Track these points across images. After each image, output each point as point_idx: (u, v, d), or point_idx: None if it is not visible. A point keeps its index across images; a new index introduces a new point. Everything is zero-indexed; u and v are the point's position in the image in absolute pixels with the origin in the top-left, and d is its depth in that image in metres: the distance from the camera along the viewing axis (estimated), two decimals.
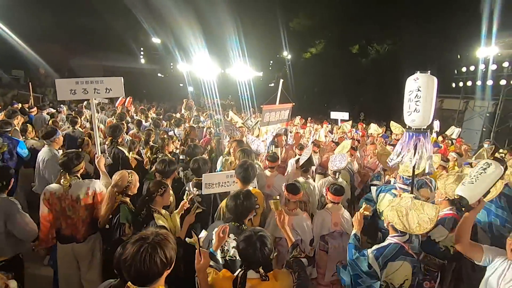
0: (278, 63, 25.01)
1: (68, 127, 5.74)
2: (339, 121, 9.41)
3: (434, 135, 7.56)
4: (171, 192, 2.82)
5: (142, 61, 21.97)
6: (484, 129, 11.36)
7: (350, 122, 8.86)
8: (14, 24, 12.45)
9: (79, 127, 5.79)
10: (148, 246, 1.29)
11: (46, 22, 14.85)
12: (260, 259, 1.64)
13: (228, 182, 2.93)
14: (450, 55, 13.80)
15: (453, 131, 8.27)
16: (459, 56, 12.73)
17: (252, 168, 2.79)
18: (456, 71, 12.51)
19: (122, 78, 3.29)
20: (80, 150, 3.88)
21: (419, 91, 2.39)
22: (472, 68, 11.27)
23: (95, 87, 3.13)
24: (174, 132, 6.20)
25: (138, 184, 2.82)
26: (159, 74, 23.92)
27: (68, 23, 16.78)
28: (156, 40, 20.79)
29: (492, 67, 10.06)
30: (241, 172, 2.73)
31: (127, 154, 4.11)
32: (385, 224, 2.35)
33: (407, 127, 2.60)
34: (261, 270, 1.65)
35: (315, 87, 25.26)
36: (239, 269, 1.73)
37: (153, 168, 3.61)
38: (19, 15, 12.93)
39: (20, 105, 8.19)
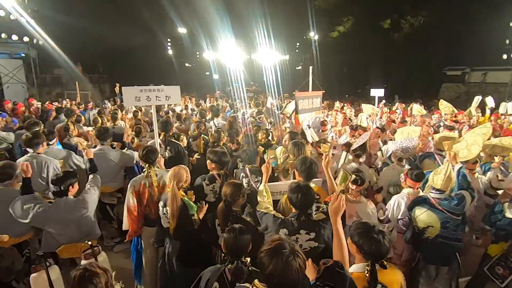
0: (304, 44, 24.27)
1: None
2: (376, 100, 9.00)
3: (488, 112, 7.03)
4: None
5: (170, 51, 22.33)
6: None
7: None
8: (49, 23, 13.04)
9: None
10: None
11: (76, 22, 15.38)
12: (385, 254, 1.67)
13: None
14: (498, 23, 12.58)
15: (506, 107, 7.62)
16: (511, 24, 11.58)
17: (316, 164, 2.72)
18: (508, 41, 11.41)
19: (179, 87, 3.75)
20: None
21: None
22: None
23: (156, 94, 3.52)
24: (213, 122, 6.30)
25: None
26: (186, 64, 24.27)
27: (99, 18, 17.33)
28: (182, 30, 20.95)
29: None
30: (305, 170, 2.63)
31: (182, 147, 4.27)
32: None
33: None
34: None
35: (344, 67, 24.32)
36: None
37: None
38: (53, 13, 13.54)
39: (68, 101, 8.71)
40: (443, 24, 18.48)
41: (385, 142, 4.71)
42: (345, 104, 10.71)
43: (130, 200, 2.96)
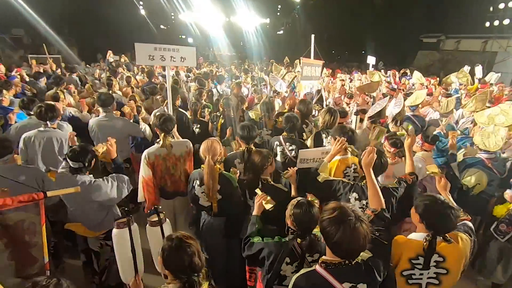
0: (286, 7, 23.27)
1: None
2: (370, 66, 9.04)
3: (476, 81, 7.32)
4: None
5: (142, 12, 20.44)
6: None
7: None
8: None
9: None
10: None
11: None
12: (450, 229, 1.71)
13: (322, 158, 2.85)
14: None
15: (491, 77, 7.97)
16: None
17: (353, 133, 2.74)
18: (492, 8, 11.64)
19: (195, 48, 3.48)
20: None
21: None
22: (510, 4, 10.46)
23: (171, 55, 3.24)
24: (217, 89, 6.03)
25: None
26: (161, 26, 22.50)
27: None
28: None
29: None
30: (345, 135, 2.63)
31: (189, 116, 4.05)
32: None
33: None
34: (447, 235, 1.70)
35: (325, 33, 23.86)
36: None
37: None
38: None
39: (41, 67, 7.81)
40: None
41: None
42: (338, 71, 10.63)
43: (145, 171, 2.81)
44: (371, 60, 8.69)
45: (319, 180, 2.37)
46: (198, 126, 4.24)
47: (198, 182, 2.55)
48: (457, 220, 1.72)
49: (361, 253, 1.45)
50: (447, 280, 1.74)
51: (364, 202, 2.22)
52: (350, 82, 8.93)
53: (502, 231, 2.67)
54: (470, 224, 1.96)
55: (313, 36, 6.14)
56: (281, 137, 3.28)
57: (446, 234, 1.70)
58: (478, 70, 7.59)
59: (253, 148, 2.93)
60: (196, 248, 1.50)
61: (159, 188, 2.92)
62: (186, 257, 1.45)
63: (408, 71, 10.04)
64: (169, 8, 19.14)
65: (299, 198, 1.90)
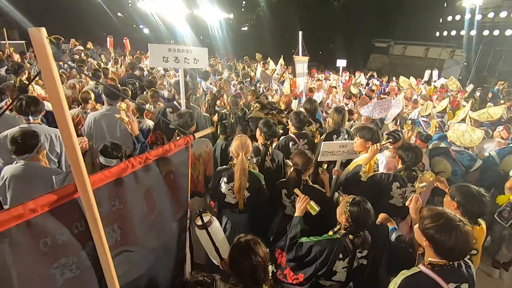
0: (250, 3, 23.24)
1: None
2: (341, 70, 9.52)
3: (432, 84, 8.15)
4: None
5: None
6: (460, 78, 12.54)
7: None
8: None
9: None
10: None
11: None
12: (484, 213, 1.93)
13: (339, 151, 3.03)
14: (437, 2, 14.07)
15: (442, 81, 8.94)
16: (445, 4, 13.22)
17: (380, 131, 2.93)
18: (441, 20, 13.07)
19: (207, 49, 3.37)
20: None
21: None
22: (458, 17, 11.89)
23: (185, 56, 3.13)
24: (202, 86, 5.82)
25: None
26: (119, 14, 20.80)
27: None
28: None
29: (478, 17, 10.76)
30: (373, 136, 2.82)
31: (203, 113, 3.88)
32: None
33: None
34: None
35: (287, 32, 24.36)
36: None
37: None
38: None
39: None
40: None
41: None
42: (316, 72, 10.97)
43: None
44: (341, 63, 9.13)
45: (363, 180, 2.52)
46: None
47: (225, 179, 2.49)
48: (491, 206, 1.96)
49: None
50: (476, 260, 1.98)
51: (404, 189, 2.47)
52: (326, 81, 9.28)
53: (505, 217, 3.08)
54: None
55: (300, 33, 6.24)
56: (292, 135, 3.32)
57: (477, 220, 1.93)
58: (435, 74, 8.49)
59: (270, 145, 2.94)
60: (264, 258, 1.47)
61: None
62: (251, 266, 1.43)
63: (375, 74, 10.79)
64: None
65: (353, 196, 1.96)
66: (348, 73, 11.25)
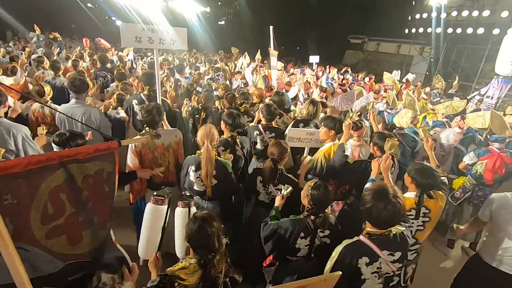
0: None
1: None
2: (314, 66, 9.73)
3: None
4: None
5: None
6: (427, 73, 13.20)
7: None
8: None
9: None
10: None
11: None
12: (434, 186, 2.15)
13: (306, 138, 3.16)
14: (405, 1, 14.63)
15: (409, 77, 9.41)
16: (414, 3, 13.79)
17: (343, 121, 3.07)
18: (410, 17, 13.63)
19: (186, 29, 3.20)
20: None
21: None
22: (425, 15, 12.46)
23: (160, 37, 3.01)
24: (178, 78, 5.79)
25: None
26: (89, 4, 19.89)
27: None
28: None
29: (443, 15, 11.34)
30: (336, 124, 2.96)
31: (171, 104, 3.86)
32: None
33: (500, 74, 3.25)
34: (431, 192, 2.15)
35: (264, 26, 24.26)
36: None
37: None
38: None
39: None
40: None
41: None
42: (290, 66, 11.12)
43: (132, 160, 2.69)
44: (314, 59, 9.33)
45: (350, 161, 2.75)
46: (175, 116, 4.05)
47: (193, 167, 2.55)
48: (439, 180, 2.21)
49: (397, 227, 1.73)
50: (429, 225, 2.24)
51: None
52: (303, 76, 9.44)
53: (456, 198, 3.35)
54: (446, 180, 2.49)
55: (271, 27, 6.32)
56: (259, 125, 3.42)
57: (430, 191, 2.18)
58: (396, 73, 8.93)
59: (237, 135, 3.03)
60: (217, 230, 1.60)
61: (146, 178, 2.78)
62: (206, 238, 1.55)
63: (349, 69, 11.13)
64: None
65: (315, 180, 2.09)
66: (323, 68, 11.53)
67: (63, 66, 5.38)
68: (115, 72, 4.91)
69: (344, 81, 8.58)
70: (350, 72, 10.70)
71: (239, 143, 3.00)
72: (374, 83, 9.02)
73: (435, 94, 8.00)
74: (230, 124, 2.96)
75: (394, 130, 4.06)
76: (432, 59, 13.28)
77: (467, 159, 3.62)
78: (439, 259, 3.64)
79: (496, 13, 10.29)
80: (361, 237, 1.69)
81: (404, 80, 8.84)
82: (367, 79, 10.20)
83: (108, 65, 5.98)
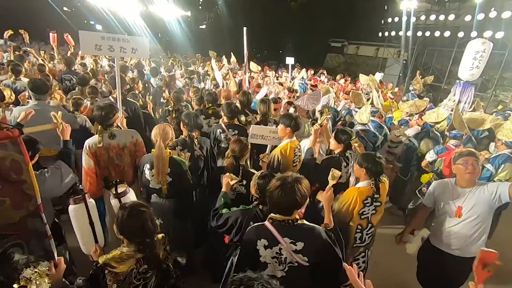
0: (208, 2, 23.11)
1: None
2: (290, 67, 9.88)
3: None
4: None
5: None
6: (400, 75, 13.68)
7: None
8: None
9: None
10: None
11: None
12: (382, 172, 2.36)
13: (269, 136, 3.23)
14: (376, 4, 15.17)
15: (377, 76, 9.72)
16: (386, 7, 14.30)
17: (300, 118, 3.18)
18: (382, 21, 14.12)
19: (148, 39, 3.28)
20: None
21: (484, 52, 3.14)
22: (396, 19, 12.95)
23: (121, 45, 3.02)
24: (151, 83, 5.79)
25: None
26: (65, 8, 19.50)
27: None
28: None
29: (412, 19, 11.82)
30: (291, 122, 3.00)
31: (139, 106, 3.88)
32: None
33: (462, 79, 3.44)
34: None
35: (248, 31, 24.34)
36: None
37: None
38: None
39: None
40: None
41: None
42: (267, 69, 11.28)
43: (87, 161, 2.70)
44: (289, 60, 9.49)
45: (318, 162, 2.85)
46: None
47: (148, 165, 2.60)
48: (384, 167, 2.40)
49: (304, 221, 1.74)
50: (380, 209, 2.43)
51: (349, 168, 2.89)
52: (278, 79, 9.60)
53: (423, 193, 3.53)
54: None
55: (245, 28, 6.40)
56: (222, 124, 3.50)
57: (380, 177, 2.37)
58: (379, 75, 9.21)
59: (195, 135, 3.09)
60: (149, 213, 1.64)
61: (102, 179, 2.79)
62: (139, 221, 1.58)
63: (325, 72, 11.40)
64: None
65: (262, 171, 2.16)
66: (299, 70, 11.76)
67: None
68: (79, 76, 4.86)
69: (320, 82, 8.77)
70: (325, 74, 10.96)
71: (196, 143, 3.05)
72: (349, 85, 9.26)
73: (412, 95, 8.32)
74: (187, 124, 3.04)
75: (357, 127, 4.22)
76: (404, 61, 13.79)
77: (428, 156, 3.80)
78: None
79: (460, 17, 10.84)
80: (266, 222, 1.74)
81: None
82: (342, 81, 10.46)
83: (80, 68, 5.91)
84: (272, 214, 1.73)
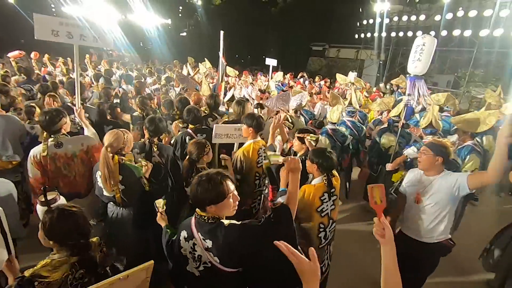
0: (188, 9, 23.08)
1: None
2: (270, 69, 9.85)
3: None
4: None
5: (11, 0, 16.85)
6: (378, 75, 13.94)
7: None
8: None
9: None
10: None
11: None
12: (335, 166, 2.38)
13: (235, 134, 3.15)
14: (352, 7, 15.51)
15: (350, 76, 9.86)
16: (360, 10, 14.62)
17: (262, 118, 3.07)
18: (358, 24, 14.42)
19: (118, 29, 3.01)
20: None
21: (424, 46, 3.18)
22: (371, 21, 13.25)
23: (81, 32, 2.78)
24: (123, 88, 5.63)
25: (132, 144, 2.67)
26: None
27: None
28: None
29: (386, 20, 12.12)
30: (253, 122, 2.94)
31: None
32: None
33: (410, 74, 3.54)
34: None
35: (228, 37, 24.37)
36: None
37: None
38: None
39: None
40: (310, 3, 21.08)
41: None
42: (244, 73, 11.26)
43: (32, 171, 2.55)
44: (270, 62, 9.43)
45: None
46: (110, 127, 3.87)
47: (100, 173, 2.43)
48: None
49: (225, 219, 1.62)
50: (337, 202, 2.43)
51: None
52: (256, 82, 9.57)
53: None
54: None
55: (222, 32, 6.33)
56: (189, 130, 3.38)
57: (332, 172, 2.35)
58: (352, 75, 9.30)
59: (156, 140, 2.95)
60: (80, 213, 1.52)
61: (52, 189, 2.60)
62: (72, 222, 1.46)
63: (305, 74, 11.51)
64: None
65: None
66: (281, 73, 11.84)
67: None
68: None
69: (297, 84, 8.79)
70: (305, 77, 11.08)
71: (155, 149, 2.91)
72: (326, 88, 9.36)
73: (398, 93, 8.46)
74: (148, 128, 2.90)
75: (328, 126, 4.19)
76: (381, 62, 14.10)
77: (409, 152, 3.75)
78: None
79: (431, 17, 11.17)
80: (193, 217, 1.70)
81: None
82: (322, 82, 10.55)
83: (48, 77, 5.69)
84: (199, 211, 1.65)
